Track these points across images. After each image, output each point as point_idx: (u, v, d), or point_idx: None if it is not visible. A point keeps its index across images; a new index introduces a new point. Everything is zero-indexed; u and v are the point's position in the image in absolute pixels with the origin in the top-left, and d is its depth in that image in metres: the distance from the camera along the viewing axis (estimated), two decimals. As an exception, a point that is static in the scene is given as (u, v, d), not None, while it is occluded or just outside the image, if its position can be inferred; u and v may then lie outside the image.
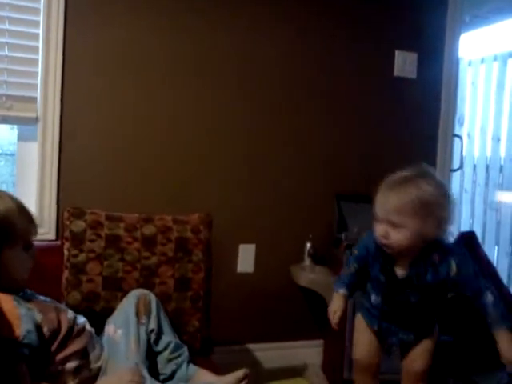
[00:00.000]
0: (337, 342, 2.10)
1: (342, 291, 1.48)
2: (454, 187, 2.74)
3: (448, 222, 1.32)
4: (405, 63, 2.43)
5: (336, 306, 1.47)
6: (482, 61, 3.55)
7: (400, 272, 1.38)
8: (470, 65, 3.63)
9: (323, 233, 2.31)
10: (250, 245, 2.25)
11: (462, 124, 3.53)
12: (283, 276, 2.29)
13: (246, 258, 2.24)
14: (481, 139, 3.54)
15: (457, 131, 2.64)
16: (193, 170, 2.14)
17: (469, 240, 2.46)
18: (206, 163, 2.16)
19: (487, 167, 3.46)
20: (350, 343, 2.01)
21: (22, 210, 1.17)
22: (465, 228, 3.43)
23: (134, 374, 1.15)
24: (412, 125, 2.47)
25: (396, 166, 2.45)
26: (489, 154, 3.45)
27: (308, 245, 2.25)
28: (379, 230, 1.34)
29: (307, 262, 2.25)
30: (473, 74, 3.63)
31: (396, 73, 2.43)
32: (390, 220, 1.30)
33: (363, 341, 1.57)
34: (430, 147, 2.52)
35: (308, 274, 2.18)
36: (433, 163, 2.53)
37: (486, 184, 3.46)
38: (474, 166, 3.54)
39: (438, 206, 1.29)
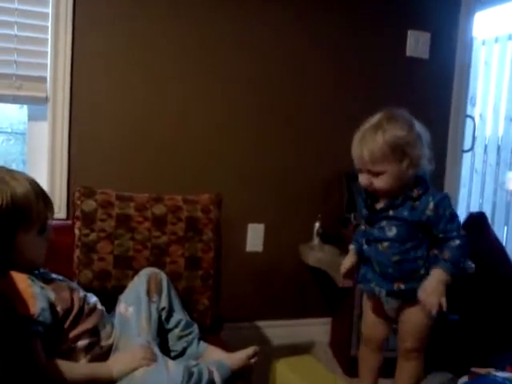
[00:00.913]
0: (344, 320, 2.12)
1: (352, 246, 1.56)
2: (465, 168, 2.73)
3: (424, 157, 1.38)
4: (417, 43, 2.39)
5: (346, 260, 1.56)
6: (496, 40, 3.48)
7: (379, 205, 1.44)
8: (483, 44, 3.56)
9: (332, 212, 2.31)
10: (258, 224, 2.26)
11: (474, 104, 3.48)
12: (292, 255, 2.30)
13: (254, 238, 2.26)
14: (493, 119, 3.49)
15: (469, 112, 2.61)
16: (202, 151, 2.14)
17: (478, 220, 2.45)
18: (215, 144, 2.16)
19: (498, 147, 3.43)
20: (358, 319, 2.03)
21: (39, 193, 1.17)
22: (474, 209, 3.42)
23: (146, 351, 1.17)
24: (423, 105, 2.44)
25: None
26: (501, 134, 3.42)
27: (317, 224, 2.25)
28: (362, 180, 1.42)
29: (316, 241, 2.26)
30: (486, 54, 3.56)
31: (408, 53, 2.40)
32: (369, 170, 1.38)
33: (369, 315, 1.59)
34: (441, 128, 2.50)
35: (316, 253, 2.19)
36: (444, 144, 2.51)
37: (498, 164, 3.43)
38: (485, 147, 3.50)
39: (408, 146, 1.34)
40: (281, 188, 2.27)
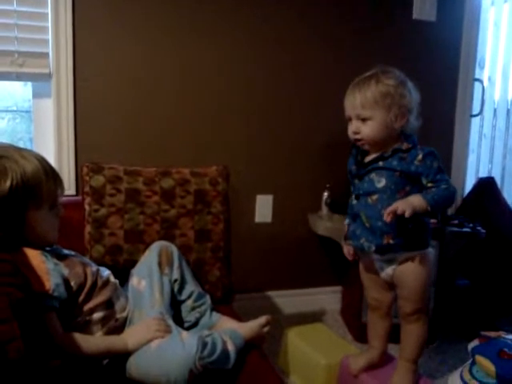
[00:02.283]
0: (355, 288, 2.14)
1: (347, 221, 1.57)
2: (473, 133, 2.69)
3: (412, 111, 1.43)
4: (424, 5, 2.34)
5: (346, 243, 1.57)
6: (506, 0, 3.39)
7: (369, 158, 1.47)
8: (492, 4, 3.46)
9: (340, 182, 2.30)
10: (267, 195, 2.26)
11: (482, 67, 3.41)
12: (301, 225, 2.31)
13: (263, 209, 2.26)
14: (502, 82, 3.42)
15: (477, 75, 2.56)
16: (208, 123, 2.13)
17: (488, 185, 2.44)
18: (221, 115, 2.14)
19: (508, 111, 3.37)
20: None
21: (48, 170, 1.17)
22: (483, 174, 3.39)
23: (160, 322, 1.19)
24: (431, 69, 2.40)
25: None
26: (510, 97, 3.35)
27: (325, 194, 2.25)
28: (351, 127, 1.45)
29: (324, 210, 2.26)
30: (495, 14, 3.47)
31: (415, 16, 2.34)
32: (358, 115, 1.42)
33: (368, 284, 1.61)
34: (449, 92, 2.46)
35: (325, 223, 2.20)
36: (452, 109, 2.48)
37: (507, 128, 3.37)
38: (494, 111, 3.44)
39: (398, 97, 1.40)
40: (288, 158, 2.26)
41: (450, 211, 2.52)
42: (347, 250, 1.57)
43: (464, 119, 2.52)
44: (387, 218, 1.33)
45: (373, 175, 1.44)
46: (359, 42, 2.29)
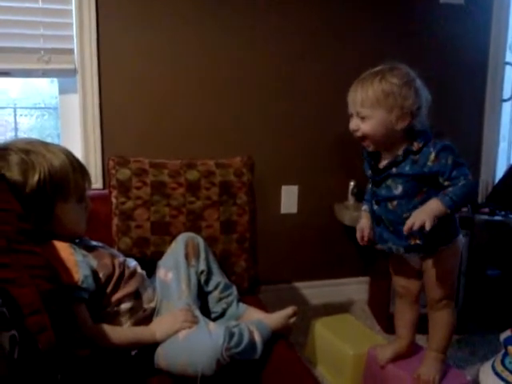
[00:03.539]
0: (382, 278, 2.12)
1: (365, 207, 1.54)
2: (504, 118, 2.61)
3: (417, 113, 1.36)
4: (452, -13, 2.27)
5: (362, 223, 1.53)
6: (537, -22, 3.27)
7: (381, 164, 1.44)
8: (523, -16, 3.35)
9: (366, 171, 2.28)
10: (292, 186, 2.25)
11: (513, 50, 3.31)
12: (327, 215, 2.29)
13: (289, 199, 2.26)
14: (534, 65, 3.32)
15: (508, 58, 2.48)
16: (233, 114, 2.12)
17: (520, 172, 2.37)
18: (246, 106, 2.13)
19: (540, 95, 3.27)
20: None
21: (74, 163, 1.18)
22: (515, 160, 3.30)
23: (187, 313, 1.20)
24: (459, 53, 2.34)
25: (444, 99, 2.37)
26: (543, 80, 3.25)
27: (352, 183, 2.23)
28: (351, 124, 1.41)
29: (351, 200, 2.24)
30: (526, -6, 3.36)
31: (442, 0, 2.28)
32: (359, 112, 1.37)
33: (395, 267, 1.59)
34: (479, 76, 2.39)
35: (352, 213, 2.17)
36: (482, 93, 2.42)
37: (539, 113, 3.28)
38: (526, 95, 3.35)
39: (401, 97, 1.33)
40: (313, 148, 2.25)
41: (481, 199, 2.46)
42: (360, 234, 1.53)
43: (494, 104, 2.45)
44: (407, 231, 1.30)
45: (389, 182, 1.40)
46: (383, 29, 2.24)
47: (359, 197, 2.23)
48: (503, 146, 2.64)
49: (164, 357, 1.15)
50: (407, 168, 1.36)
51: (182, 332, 1.16)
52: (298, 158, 2.23)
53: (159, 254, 1.47)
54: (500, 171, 2.55)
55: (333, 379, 1.74)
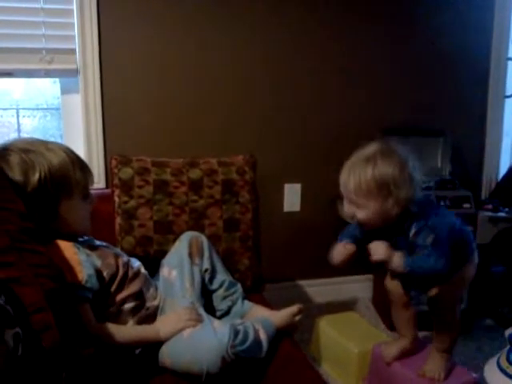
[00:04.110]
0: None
1: (346, 240, 1.49)
2: (507, 115, 2.60)
3: (412, 199, 1.29)
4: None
5: (340, 248, 1.49)
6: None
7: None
8: (525, -21, 3.34)
9: (369, 169, 2.27)
10: (295, 184, 2.24)
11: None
12: (330, 213, 2.27)
13: (291, 198, 2.25)
14: (537, 61, 3.31)
15: (511, 54, 2.47)
16: (235, 112, 2.12)
17: (523, 168, 2.36)
18: (248, 104, 2.13)
19: (544, 91, 3.25)
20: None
21: (75, 160, 1.18)
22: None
23: (191, 312, 1.20)
24: (461, 48, 2.33)
25: (446, 95, 2.36)
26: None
27: (354, 181, 2.22)
28: (346, 209, 1.37)
29: (354, 198, 2.24)
30: (528, -10, 3.34)
31: (444, -7, 2.27)
32: (352, 200, 1.33)
33: (388, 278, 1.58)
34: (481, 72, 2.38)
35: (355, 211, 2.17)
36: (485, 90, 2.40)
37: (543, 109, 3.26)
38: (530, 91, 3.33)
39: (396, 186, 1.27)
40: (316, 146, 2.24)
41: (484, 195, 2.45)
42: (339, 250, 1.48)
43: (497, 100, 2.44)
44: (374, 253, 1.33)
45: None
46: (385, 21, 2.24)
47: (362, 194, 2.23)
48: (506, 142, 2.63)
49: (169, 355, 1.15)
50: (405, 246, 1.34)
51: (187, 330, 1.16)
52: (300, 155, 2.23)
53: (162, 253, 1.47)
54: (503, 167, 2.54)
55: (338, 377, 1.74)
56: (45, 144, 1.16)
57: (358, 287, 2.39)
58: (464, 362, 1.81)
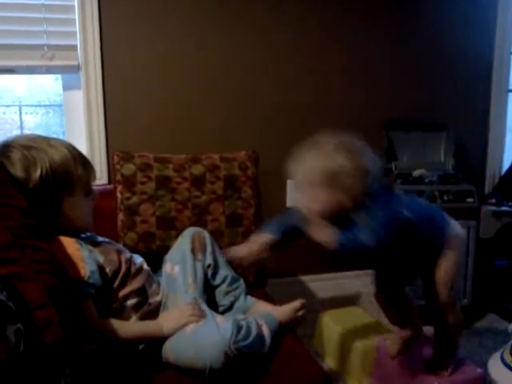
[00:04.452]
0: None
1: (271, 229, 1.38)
2: (511, 109, 2.59)
3: (366, 191, 1.22)
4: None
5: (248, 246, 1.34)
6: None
7: None
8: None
9: (372, 164, 2.26)
10: (297, 180, 2.24)
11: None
12: (333, 209, 2.28)
13: (294, 193, 2.24)
14: (540, 54, 3.29)
15: (514, 47, 2.46)
16: (237, 107, 2.12)
17: (527, 162, 2.36)
18: (250, 99, 2.13)
19: (547, 85, 3.24)
20: (403, 271, 2.02)
21: (77, 156, 1.18)
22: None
23: (194, 307, 1.20)
24: (464, 41, 2.32)
25: (449, 90, 2.35)
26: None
27: (357, 176, 2.21)
28: (296, 200, 1.32)
29: (357, 193, 2.23)
30: (532, -17, 3.32)
31: (447, -13, 2.26)
32: (304, 190, 1.26)
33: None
34: (484, 65, 2.37)
35: (358, 206, 2.16)
36: (487, 83, 2.39)
37: (547, 103, 3.25)
38: (533, 85, 3.32)
39: (347, 177, 1.20)
40: (318, 141, 2.23)
41: (488, 190, 2.45)
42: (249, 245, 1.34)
43: (501, 94, 2.43)
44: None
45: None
46: (386, 16, 2.23)
47: (365, 189, 2.22)
48: (510, 136, 2.62)
49: (172, 350, 1.15)
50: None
51: (190, 326, 1.16)
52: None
53: (165, 249, 1.47)
54: (507, 162, 2.53)
55: (341, 372, 1.74)
56: (47, 140, 1.16)
57: (361, 282, 2.38)
58: (468, 357, 1.81)
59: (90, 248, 1.18)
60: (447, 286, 1.36)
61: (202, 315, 1.18)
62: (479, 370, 1.54)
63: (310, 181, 1.24)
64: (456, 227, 1.37)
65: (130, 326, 1.18)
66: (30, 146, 1.13)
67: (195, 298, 1.26)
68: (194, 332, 1.14)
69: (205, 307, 1.23)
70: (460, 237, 1.39)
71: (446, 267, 1.34)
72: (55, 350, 0.81)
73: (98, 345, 1.02)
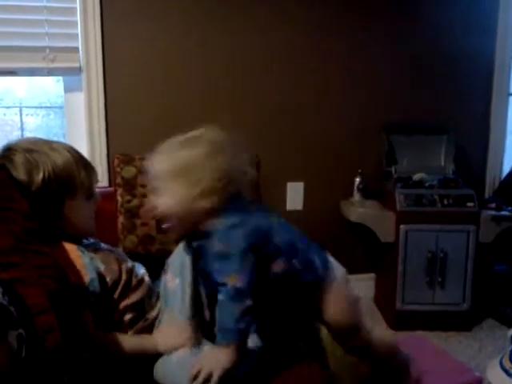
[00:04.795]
0: (389, 275, 2.11)
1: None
2: (511, 113, 2.59)
3: (221, 194, 1.09)
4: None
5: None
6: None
7: None
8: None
9: (372, 167, 2.27)
10: (298, 183, 2.24)
11: (520, 43, 3.28)
12: (333, 212, 2.29)
13: (294, 196, 2.25)
14: (541, 59, 3.29)
15: (515, 50, 2.46)
16: (238, 111, 2.12)
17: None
18: (251, 102, 2.13)
19: (548, 89, 3.24)
20: (402, 275, 2.02)
21: (79, 160, 1.17)
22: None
23: (192, 328, 1.15)
24: (465, 44, 2.32)
25: (451, 93, 2.35)
26: (550, 74, 3.22)
27: (357, 180, 2.22)
28: (148, 203, 1.17)
29: (357, 196, 2.23)
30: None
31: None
32: (154, 186, 1.13)
33: None
34: (485, 68, 2.37)
35: (358, 209, 2.17)
36: (489, 86, 2.39)
37: (547, 107, 3.24)
38: (534, 89, 3.32)
39: (202, 174, 1.09)
40: (319, 145, 2.24)
41: (488, 194, 2.45)
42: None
43: (502, 98, 2.43)
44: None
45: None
46: (388, 22, 2.23)
47: (365, 193, 2.23)
48: (510, 140, 2.62)
49: (159, 373, 1.13)
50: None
51: (177, 354, 1.12)
52: (303, 154, 2.23)
53: (164, 252, 1.45)
54: (507, 166, 2.53)
55: (340, 376, 1.74)
56: (49, 144, 1.16)
57: (360, 286, 2.38)
58: (467, 362, 1.81)
59: (92, 255, 1.17)
60: (351, 328, 1.19)
61: (196, 339, 1.16)
62: (478, 375, 1.54)
63: (160, 173, 1.12)
64: (337, 270, 1.24)
65: (125, 340, 1.14)
66: (32, 149, 1.12)
67: (191, 319, 1.22)
68: (179, 362, 1.11)
69: (198, 331, 1.18)
70: (340, 281, 1.20)
71: (333, 302, 1.15)
72: (55, 355, 0.81)
73: (91, 353, 1.00)
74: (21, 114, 2.39)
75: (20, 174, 1.09)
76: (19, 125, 2.41)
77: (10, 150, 1.12)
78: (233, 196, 1.11)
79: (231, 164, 1.15)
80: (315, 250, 1.21)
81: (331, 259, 1.24)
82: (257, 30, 2.09)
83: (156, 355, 1.14)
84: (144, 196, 1.52)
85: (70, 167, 1.14)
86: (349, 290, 1.24)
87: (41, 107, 2.40)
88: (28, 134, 2.36)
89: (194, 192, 1.09)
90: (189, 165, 1.11)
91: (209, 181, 1.09)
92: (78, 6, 1.85)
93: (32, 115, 2.44)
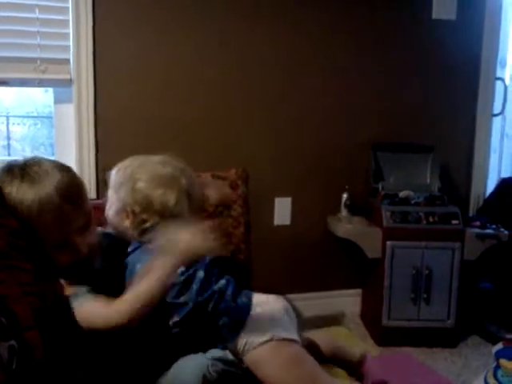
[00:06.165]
0: (375, 290, 2.12)
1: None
2: (495, 133, 2.64)
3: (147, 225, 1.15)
4: (443, 4, 2.31)
5: None
6: (527, -4, 3.33)
7: None
8: (513, 1, 3.41)
9: (359, 183, 2.29)
10: (285, 198, 2.26)
11: (504, 66, 3.36)
12: (320, 227, 2.30)
13: (282, 211, 2.26)
14: (524, 81, 3.37)
15: (499, 74, 2.52)
16: (227, 127, 2.13)
17: (510, 186, 2.41)
18: (240, 119, 2.15)
19: (530, 110, 3.31)
20: (388, 291, 2.04)
21: (65, 194, 1.03)
22: (506, 174, 3.34)
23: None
24: (451, 68, 2.38)
25: (436, 113, 2.39)
26: (532, 96, 3.30)
27: (344, 196, 2.24)
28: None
29: (344, 212, 2.25)
30: (516, 11, 3.41)
31: (434, 16, 2.32)
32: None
33: None
34: (471, 91, 2.43)
35: (345, 225, 2.18)
36: (473, 108, 2.45)
37: (529, 128, 3.32)
38: (516, 110, 3.39)
39: (122, 190, 1.22)
40: (307, 160, 2.26)
41: (472, 212, 2.48)
42: None
43: (486, 118, 2.48)
44: None
45: None
46: (380, 44, 2.28)
47: (352, 209, 2.25)
48: (494, 158, 2.67)
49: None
50: None
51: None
52: (291, 170, 2.24)
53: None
54: (491, 184, 2.58)
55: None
56: (37, 173, 1.02)
57: (347, 302, 2.40)
58: (451, 378, 1.82)
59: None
60: None
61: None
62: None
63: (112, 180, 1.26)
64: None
65: (133, 292, 1.02)
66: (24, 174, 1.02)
67: None
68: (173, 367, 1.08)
69: None
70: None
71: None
72: (46, 369, 0.80)
73: (83, 372, 0.98)
74: (7, 123, 2.38)
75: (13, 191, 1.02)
76: (5, 134, 2.40)
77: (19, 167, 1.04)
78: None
79: (145, 194, 1.19)
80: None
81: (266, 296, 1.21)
82: (255, 49, 2.12)
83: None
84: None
85: (50, 204, 1.01)
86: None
87: (28, 116, 2.39)
88: (14, 144, 2.35)
89: (117, 206, 1.18)
90: (120, 182, 1.22)
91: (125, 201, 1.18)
92: (70, 18, 1.86)
93: (19, 124, 2.43)
